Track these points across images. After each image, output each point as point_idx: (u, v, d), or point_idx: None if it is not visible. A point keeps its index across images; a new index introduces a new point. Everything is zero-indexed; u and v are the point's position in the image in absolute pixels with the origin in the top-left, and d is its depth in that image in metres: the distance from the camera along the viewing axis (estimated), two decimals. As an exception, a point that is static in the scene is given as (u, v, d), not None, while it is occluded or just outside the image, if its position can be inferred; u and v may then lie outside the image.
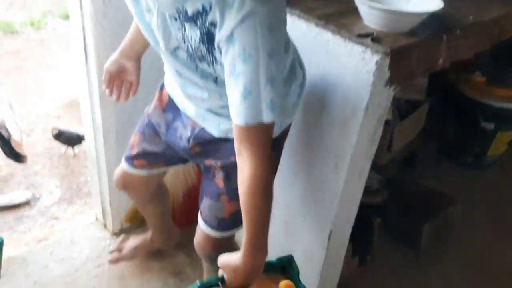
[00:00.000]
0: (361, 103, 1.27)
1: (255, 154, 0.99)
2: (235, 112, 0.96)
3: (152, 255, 2.09)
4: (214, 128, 1.25)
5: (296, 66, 1.26)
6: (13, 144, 2.25)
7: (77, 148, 2.83)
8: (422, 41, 1.29)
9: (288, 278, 1.20)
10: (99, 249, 2.15)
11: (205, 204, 1.40)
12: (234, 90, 0.93)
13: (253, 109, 0.93)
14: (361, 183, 1.55)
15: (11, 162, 2.45)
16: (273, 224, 1.46)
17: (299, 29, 1.35)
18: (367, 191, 1.63)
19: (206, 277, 1.60)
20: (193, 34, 0.97)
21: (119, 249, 2.02)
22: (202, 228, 1.42)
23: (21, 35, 4.62)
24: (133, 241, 2.03)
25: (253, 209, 1.03)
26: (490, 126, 2.65)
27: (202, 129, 1.28)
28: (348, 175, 1.43)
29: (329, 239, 1.59)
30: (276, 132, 1.22)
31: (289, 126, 1.37)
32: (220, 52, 0.94)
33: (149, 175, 1.57)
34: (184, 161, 1.51)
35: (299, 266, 1.28)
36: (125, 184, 1.63)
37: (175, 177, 2.09)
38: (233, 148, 1.04)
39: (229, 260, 1.11)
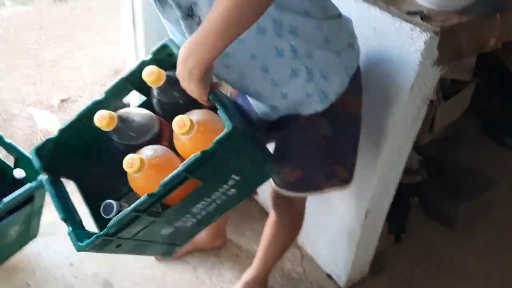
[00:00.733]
0: (407, 83, 1.26)
1: None
2: None
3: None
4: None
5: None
6: None
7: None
8: (474, 20, 1.25)
9: None
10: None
11: None
12: None
13: None
14: (401, 162, 1.54)
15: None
16: (310, 198, 1.50)
17: (346, 3, 1.34)
18: (406, 170, 1.63)
19: (269, 227, 1.64)
20: None
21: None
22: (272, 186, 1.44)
23: (69, 2, 4.72)
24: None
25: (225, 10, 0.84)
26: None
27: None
28: (388, 154, 1.43)
29: (366, 216, 1.60)
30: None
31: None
32: None
33: None
34: None
35: (334, 241, 1.30)
36: None
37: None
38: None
39: None
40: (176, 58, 0.93)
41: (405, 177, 1.66)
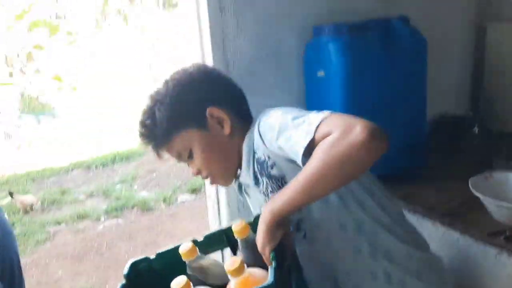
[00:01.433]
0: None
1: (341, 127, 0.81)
2: (297, 147, 0.87)
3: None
4: None
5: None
6: None
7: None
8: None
9: None
10: None
11: None
12: (285, 139, 0.91)
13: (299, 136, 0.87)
14: None
15: None
16: None
17: (426, 227, 1.41)
18: None
19: None
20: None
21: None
22: None
23: (155, 211, 5.20)
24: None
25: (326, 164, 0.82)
26: None
27: None
28: None
29: None
30: None
31: None
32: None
33: None
34: None
35: None
36: None
37: None
38: None
39: None
40: None
41: None
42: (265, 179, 1.04)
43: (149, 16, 11.72)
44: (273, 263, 0.92)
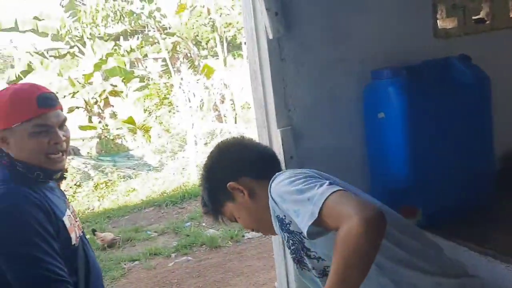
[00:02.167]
0: None
1: (347, 214, 0.94)
2: (302, 225, 1.00)
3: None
4: None
5: None
6: None
7: None
8: None
9: None
10: None
11: None
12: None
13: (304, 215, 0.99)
14: None
15: None
16: None
17: (498, 271, 1.36)
18: None
19: None
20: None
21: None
22: None
23: (223, 248, 5.29)
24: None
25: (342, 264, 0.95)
26: None
27: None
28: None
29: None
30: None
31: None
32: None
33: None
34: None
35: None
36: None
37: None
38: None
39: None
40: None
41: None
42: (286, 234, 1.19)
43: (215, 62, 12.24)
44: None
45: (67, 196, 1.55)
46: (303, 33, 1.58)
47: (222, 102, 12.34)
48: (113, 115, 13.38)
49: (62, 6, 13.16)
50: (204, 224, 6.20)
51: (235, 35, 13.04)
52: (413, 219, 1.50)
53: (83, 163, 9.86)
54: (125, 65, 12.77)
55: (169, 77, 12.65)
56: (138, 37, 13.66)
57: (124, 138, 12.77)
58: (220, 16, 12.88)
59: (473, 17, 1.86)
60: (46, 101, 1.37)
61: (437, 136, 1.49)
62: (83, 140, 13.16)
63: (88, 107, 13.29)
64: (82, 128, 12.99)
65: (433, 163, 1.49)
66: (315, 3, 1.59)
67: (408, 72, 1.47)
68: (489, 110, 1.57)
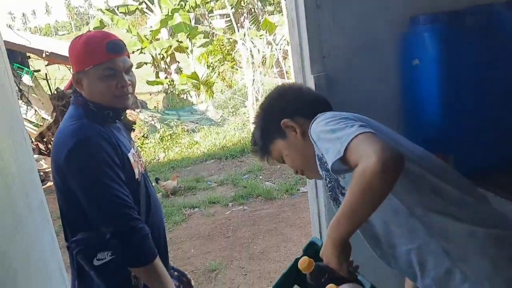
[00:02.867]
0: None
1: (367, 154, 0.98)
2: (328, 161, 1.06)
3: None
4: None
5: None
6: None
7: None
8: None
9: None
10: None
11: None
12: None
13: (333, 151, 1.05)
14: None
15: None
16: None
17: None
18: None
19: None
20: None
21: None
22: None
23: (278, 200, 5.46)
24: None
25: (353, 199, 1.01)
26: None
27: None
28: None
29: None
30: None
31: None
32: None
33: None
34: None
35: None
36: None
37: None
38: None
39: None
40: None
41: None
42: (324, 173, 1.25)
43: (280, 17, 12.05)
44: (357, 275, 1.12)
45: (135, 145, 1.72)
46: (339, -21, 1.57)
47: (285, 58, 12.24)
48: (179, 71, 13.76)
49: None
50: (261, 177, 6.39)
51: (300, -11, 12.72)
52: (445, 166, 1.52)
53: (150, 116, 10.33)
54: (190, 21, 12.95)
55: (232, 33, 12.71)
56: (203, -8, 13.73)
57: (189, 93, 13.15)
58: (285, -31, 12.59)
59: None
60: (114, 47, 1.51)
61: (475, 86, 1.47)
62: (150, 95, 13.73)
63: (155, 63, 13.75)
64: (149, 83, 13.52)
65: (467, 112, 1.48)
66: None
67: (447, 19, 1.44)
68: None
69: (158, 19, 12.83)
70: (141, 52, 13.14)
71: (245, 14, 13.00)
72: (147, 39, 13.06)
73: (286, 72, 12.32)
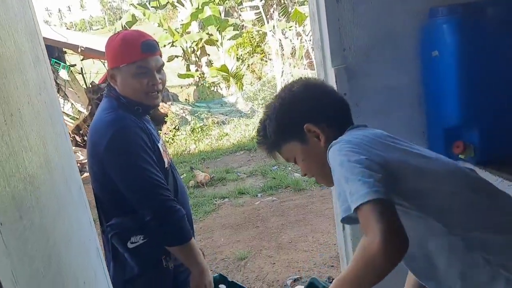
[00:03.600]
0: None
1: (373, 230, 0.96)
2: (339, 210, 1.05)
3: None
4: None
5: None
6: None
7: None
8: None
9: None
10: None
11: None
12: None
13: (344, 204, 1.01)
14: None
15: None
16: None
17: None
18: None
19: None
20: None
21: None
22: None
23: (307, 191, 5.51)
24: None
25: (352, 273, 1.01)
26: None
27: None
28: None
29: None
30: None
31: None
32: None
33: None
34: None
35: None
36: None
37: None
38: None
39: None
40: None
41: None
42: None
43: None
44: None
45: (167, 139, 1.84)
46: (359, -27, 1.60)
47: (314, 49, 12.17)
48: (209, 63, 13.90)
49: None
50: (290, 168, 6.45)
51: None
52: (465, 154, 1.54)
53: (181, 109, 10.51)
54: (220, 14, 13.04)
55: (262, 25, 12.74)
56: (232, -15, 13.78)
57: (219, 86, 13.27)
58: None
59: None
60: (148, 47, 1.60)
61: (494, 76, 1.48)
62: (181, 87, 13.94)
63: (186, 56, 13.93)
64: (180, 76, 13.72)
65: (487, 102, 1.49)
66: None
67: (466, 10, 1.45)
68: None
69: (189, 13, 12.97)
70: (172, 46, 13.33)
71: (274, 6, 12.98)
72: (178, 33, 13.24)
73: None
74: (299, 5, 12.81)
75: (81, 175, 1.87)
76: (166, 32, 13.11)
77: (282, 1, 13.03)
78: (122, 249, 1.60)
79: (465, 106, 1.51)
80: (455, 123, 1.56)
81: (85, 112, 8.97)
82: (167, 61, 11.51)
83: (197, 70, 13.90)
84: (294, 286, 3.49)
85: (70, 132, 8.53)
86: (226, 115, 10.61)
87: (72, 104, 8.82)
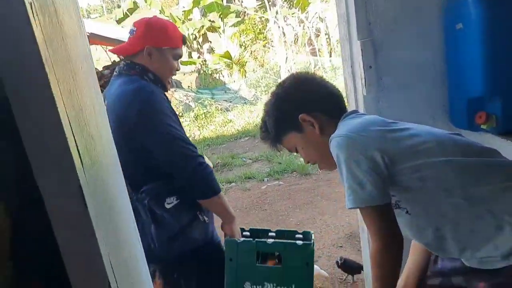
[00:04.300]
0: None
1: (371, 233, 1.18)
2: (347, 201, 1.18)
3: None
4: None
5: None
6: None
7: (356, 277, 3.16)
8: None
9: None
10: None
11: None
12: None
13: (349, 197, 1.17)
14: None
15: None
16: None
17: None
18: None
19: None
20: None
21: None
22: None
23: (313, 175, 5.55)
24: None
25: (373, 277, 1.20)
26: None
27: None
28: None
29: None
30: None
31: None
32: None
33: None
34: None
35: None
36: None
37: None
38: None
39: None
40: None
41: None
42: None
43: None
44: None
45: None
46: None
47: (317, 36, 12.17)
48: (211, 50, 13.88)
49: None
50: (295, 153, 6.49)
51: (332, -35, 12.53)
52: (487, 125, 1.58)
53: (185, 96, 10.54)
54: (222, 0, 12.99)
55: (264, 12, 12.70)
56: (234, -29, 13.71)
57: (221, 73, 13.27)
58: None
59: None
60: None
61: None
62: (184, 74, 13.91)
63: (188, 43, 13.90)
64: (183, 63, 13.70)
65: (510, 73, 1.52)
66: None
67: (492, -18, 1.48)
68: None
69: (190, 0, 12.94)
70: (174, 33, 13.30)
71: (277, -8, 12.94)
72: (180, 20, 13.21)
73: (319, 50, 12.25)
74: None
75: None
76: (168, 19, 13.07)
77: (285, -12, 12.98)
78: (160, 211, 1.72)
79: (488, 77, 1.54)
80: (478, 94, 1.59)
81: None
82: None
83: (199, 57, 13.88)
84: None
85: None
86: (230, 102, 10.64)
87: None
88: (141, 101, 1.65)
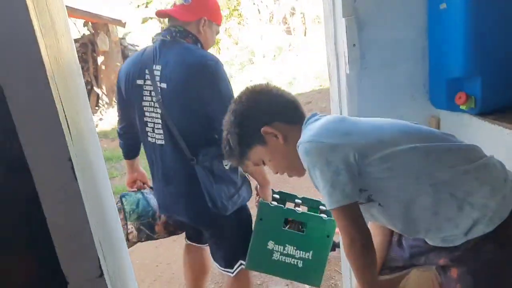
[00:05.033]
0: None
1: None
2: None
3: None
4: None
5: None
6: None
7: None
8: None
9: None
10: None
11: None
12: None
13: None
14: None
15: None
16: None
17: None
18: None
19: None
20: None
21: None
22: None
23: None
24: None
25: (353, 268, 1.28)
26: None
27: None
28: None
29: None
30: None
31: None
32: None
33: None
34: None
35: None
36: None
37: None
38: None
39: None
40: None
41: None
42: None
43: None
44: None
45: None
46: None
47: (292, 14, 12.10)
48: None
49: None
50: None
51: None
52: (466, 105, 1.61)
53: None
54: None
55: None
56: None
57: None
58: None
59: None
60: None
61: (498, 28, 1.53)
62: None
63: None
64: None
65: (491, 55, 1.55)
66: None
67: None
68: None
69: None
70: (146, 7, 12.96)
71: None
72: (152, -6, 12.85)
73: (293, 29, 12.19)
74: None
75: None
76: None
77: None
78: (220, 171, 1.86)
79: (469, 58, 1.56)
80: (458, 75, 1.61)
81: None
82: (141, 23, 11.20)
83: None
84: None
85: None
86: (203, 80, 10.48)
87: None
88: (214, 66, 1.76)
